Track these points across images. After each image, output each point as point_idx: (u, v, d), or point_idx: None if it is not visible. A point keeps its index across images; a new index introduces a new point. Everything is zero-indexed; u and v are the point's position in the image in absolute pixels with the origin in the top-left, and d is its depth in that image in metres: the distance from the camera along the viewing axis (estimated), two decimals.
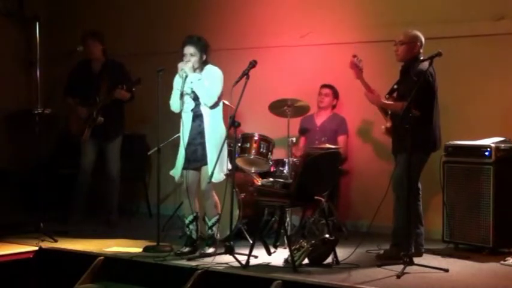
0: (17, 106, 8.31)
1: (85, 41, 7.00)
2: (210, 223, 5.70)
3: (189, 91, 5.61)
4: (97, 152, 7.06)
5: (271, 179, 5.89)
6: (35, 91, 6.57)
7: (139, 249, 5.78)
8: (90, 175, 7.05)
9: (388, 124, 5.72)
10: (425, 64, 5.35)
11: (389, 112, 5.71)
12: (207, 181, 5.54)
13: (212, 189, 5.67)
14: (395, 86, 5.70)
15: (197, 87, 5.59)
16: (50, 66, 7.85)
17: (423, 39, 5.62)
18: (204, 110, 5.64)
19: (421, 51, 5.61)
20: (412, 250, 5.36)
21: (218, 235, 5.70)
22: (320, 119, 6.96)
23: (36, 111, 6.47)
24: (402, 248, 5.30)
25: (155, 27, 8.15)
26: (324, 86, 6.95)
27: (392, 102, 5.62)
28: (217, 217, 5.66)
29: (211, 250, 5.58)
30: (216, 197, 5.68)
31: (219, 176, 5.55)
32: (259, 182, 6.27)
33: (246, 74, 5.50)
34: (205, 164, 5.58)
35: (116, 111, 6.98)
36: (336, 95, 6.95)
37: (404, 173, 5.35)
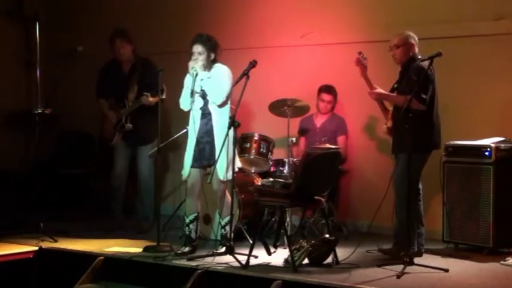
0: (17, 106, 8.31)
1: (113, 42, 6.72)
2: (223, 222, 5.69)
3: (198, 89, 5.62)
4: (130, 156, 6.84)
5: (271, 179, 5.87)
6: (35, 91, 6.56)
7: (140, 249, 5.78)
8: (124, 179, 6.86)
9: (389, 124, 5.73)
10: (425, 63, 5.36)
11: (391, 111, 5.72)
12: (214, 180, 5.55)
13: (226, 188, 5.66)
14: (395, 85, 5.72)
15: (206, 85, 5.61)
16: (50, 66, 7.85)
17: (416, 38, 5.64)
18: (213, 108, 5.65)
19: (417, 49, 5.62)
20: (414, 250, 5.37)
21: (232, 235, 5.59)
22: (320, 120, 6.94)
23: (36, 111, 6.46)
24: (403, 247, 5.31)
25: (155, 27, 8.13)
26: (324, 91, 6.81)
27: (395, 94, 5.63)
28: (229, 217, 5.53)
29: (224, 249, 5.49)
30: (229, 197, 5.61)
31: (229, 175, 5.54)
32: (259, 182, 6.27)
33: (246, 74, 5.50)
34: (213, 163, 5.56)
35: (147, 115, 6.54)
36: (336, 96, 6.88)
37: (404, 173, 5.35)
